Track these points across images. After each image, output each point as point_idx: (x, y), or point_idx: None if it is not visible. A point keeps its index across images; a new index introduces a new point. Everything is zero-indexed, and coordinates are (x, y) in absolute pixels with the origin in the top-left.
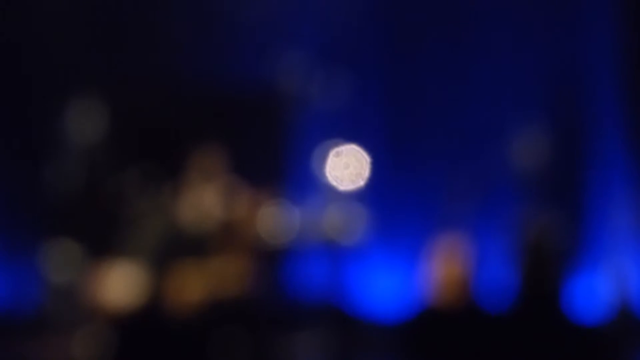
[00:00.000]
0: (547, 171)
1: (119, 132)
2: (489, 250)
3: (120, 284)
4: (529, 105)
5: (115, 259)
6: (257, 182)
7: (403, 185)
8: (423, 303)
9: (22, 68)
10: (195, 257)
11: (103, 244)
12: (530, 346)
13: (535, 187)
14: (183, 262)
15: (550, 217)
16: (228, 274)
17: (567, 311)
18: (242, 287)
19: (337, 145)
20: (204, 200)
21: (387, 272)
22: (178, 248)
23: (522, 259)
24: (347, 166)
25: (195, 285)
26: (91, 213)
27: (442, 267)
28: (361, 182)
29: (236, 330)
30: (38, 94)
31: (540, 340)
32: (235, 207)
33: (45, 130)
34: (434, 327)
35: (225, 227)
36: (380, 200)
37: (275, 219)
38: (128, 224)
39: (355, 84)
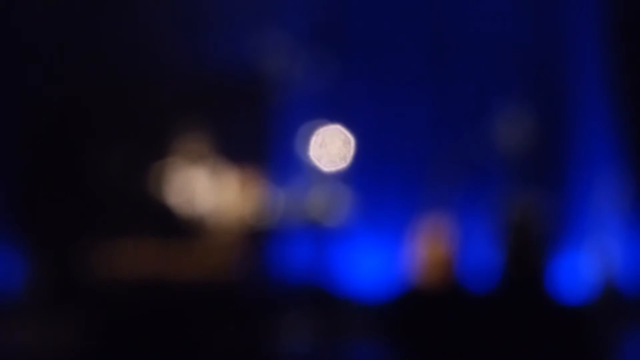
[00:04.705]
0: (530, 151)
1: (104, 114)
2: (473, 231)
3: (106, 264)
4: (512, 85)
5: (103, 240)
6: (242, 164)
7: (387, 166)
8: (407, 283)
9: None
10: (181, 240)
11: (89, 225)
12: (514, 326)
13: (519, 167)
14: (169, 244)
15: (534, 197)
16: (213, 255)
17: (551, 291)
18: (226, 268)
19: (320, 126)
20: (190, 182)
21: (371, 253)
22: (164, 230)
23: (506, 239)
24: (330, 147)
25: (180, 267)
26: (77, 194)
27: (426, 248)
28: (345, 163)
29: (221, 312)
30: (20, 82)
31: (525, 320)
32: (220, 189)
33: (30, 112)
34: (418, 308)
35: (211, 210)
36: (364, 181)
37: (260, 201)
38: (115, 205)
39: (339, 64)
